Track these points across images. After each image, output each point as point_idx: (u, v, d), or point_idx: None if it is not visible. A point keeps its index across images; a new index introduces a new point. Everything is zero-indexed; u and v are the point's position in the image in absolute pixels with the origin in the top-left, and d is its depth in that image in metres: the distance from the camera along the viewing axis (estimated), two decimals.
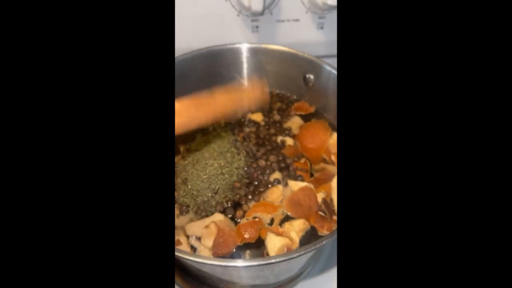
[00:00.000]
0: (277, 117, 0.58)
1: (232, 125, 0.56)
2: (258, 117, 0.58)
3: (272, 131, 0.55)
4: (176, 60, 0.54)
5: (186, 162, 0.50)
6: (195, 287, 0.46)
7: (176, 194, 0.46)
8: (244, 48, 0.58)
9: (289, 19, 0.63)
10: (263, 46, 0.57)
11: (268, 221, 0.44)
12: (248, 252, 0.41)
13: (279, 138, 0.54)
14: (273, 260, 0.32)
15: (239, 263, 0.33)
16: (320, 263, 0.50)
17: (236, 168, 0.50)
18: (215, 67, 0.59)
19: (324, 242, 0.34)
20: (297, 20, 0.63)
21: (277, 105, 0.60)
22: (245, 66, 0.60)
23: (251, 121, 0.57)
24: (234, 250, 0.41)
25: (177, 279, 0.47)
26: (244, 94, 0.41)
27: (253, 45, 0.57)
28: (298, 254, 0.32)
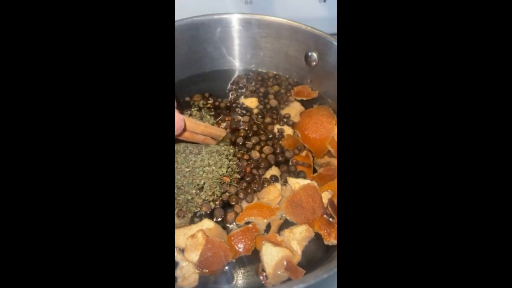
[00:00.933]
0: (273, 102, 0.50)
1: (218, 107, 0.49)
2: (252, 103, 0.50)
3: (268, 119, 0.48)
4: None
5: None
6: None
7: None
8: (235, 19, 0.49)
9: None
10: (258, 17, 0.49)
11: (264, 227, 0.37)
12: (241, 269, 0.34)
13: (276, 127, 0.47)
14: None
15: None
16: None
17: (226, 156, 0.42)
18: (201, 42, 0.50)
19: (327, 273, 0.27)
20: None
21: (274, 89, 0.52)
22: (236, 42, 0.52)
23: (243, 106, 0.49)
24: (226, 268, 0.34)
25: None
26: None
27: (246, 16, 0.49)
28: (304, 285, 0.25)
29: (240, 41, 0.52)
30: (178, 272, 0.33)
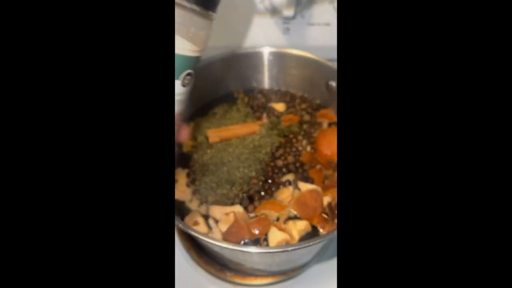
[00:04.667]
0: (307, 117, 0.64)
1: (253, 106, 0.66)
2: (281, 107, 0.66)
3: (299, 137, 0.61)
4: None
5: (214, 150, 0.59)
6: (209, 265, 0.56)
7: (197, 183, 0.57)
8: (266, 52, 0.65)
9: (320, 23, 0.69)
10: (289, 51, 0.64)
11: (274, 219, 0.52)
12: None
13: (303, 142, 0.61)
14: (270, 250, 0.41)
15: (227, 245, 0.42)
16: (325, 257, 0.57)
17: (259, 162, 0.58)
18: (234, 71, 0.67)
19: (318, 241, 0.41)
20: (328, 24, 0.68)
21: (302, 106, 0.67)
22: (268, 68, 0.67)
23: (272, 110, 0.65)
24: (242, 243, 0.50)
25: (193, 255, 0.58)
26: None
27: (280, 50, 0.64)
28: (292, 248, 0.40)
29: (272, 67, 0.67)
30: (209, 235, 0.50)
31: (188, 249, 0.58)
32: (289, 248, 0.41)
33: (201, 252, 0.57)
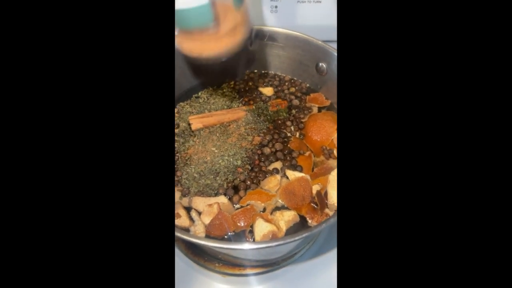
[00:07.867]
0: (296, 102, 0.62)
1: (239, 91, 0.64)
2: (269, 91, 0.64)
3: (288, 122, 0.59)
4: None
5: (196, 139, 0.57)
6: (198, 255, 0.55)
7: (179, 174, 0.55)
8: (253, 31, 0.62)
9: (310, 0, 0.66)
10: (276, 29, 0.61)
11: (261, 209, 0.51)
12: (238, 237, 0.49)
13: (292, 128, 0.59)
14: (255, 246, 0.39)
15: (210, 242, 0.40)
16: (315, 246, 0.57)
17: (245, 150, 0.56)
18: None
19: (305, 235, 0.40)
20: (319, 1, 0.66)
21: (291, 90, 0.65)
22: (256, 48, 0.65)
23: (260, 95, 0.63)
24: (226, 236, 0.48)
25: (181, 246, 0.56)
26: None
27: (268, 29, 0.61)
28: (277, 243, 0.39)
29: (260, 48, 0.64)
30: (191, 228, 0.48)
31: (175, 240, 0.57)
32: (273, 244, 0.39)
33: (189, 243, 0.55)
